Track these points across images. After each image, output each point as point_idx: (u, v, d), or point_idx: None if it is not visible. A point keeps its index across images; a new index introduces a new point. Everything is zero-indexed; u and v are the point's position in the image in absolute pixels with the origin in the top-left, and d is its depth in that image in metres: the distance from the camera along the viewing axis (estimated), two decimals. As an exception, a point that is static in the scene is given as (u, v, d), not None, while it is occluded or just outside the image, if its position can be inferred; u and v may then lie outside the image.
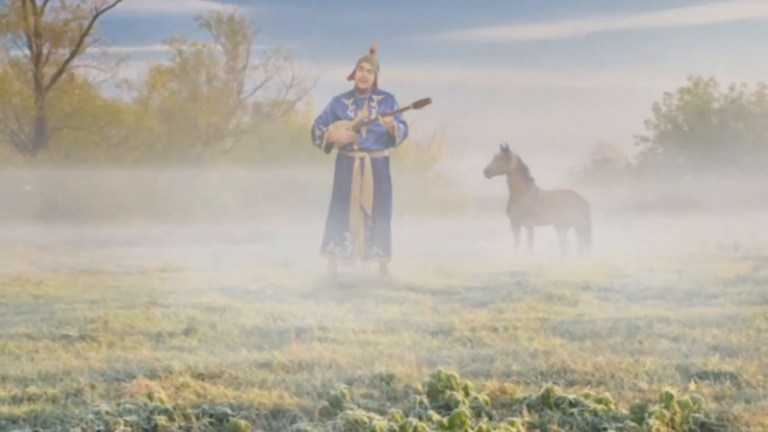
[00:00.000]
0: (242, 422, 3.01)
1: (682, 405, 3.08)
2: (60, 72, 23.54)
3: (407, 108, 7.39)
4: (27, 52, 23.60)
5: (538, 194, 10.73)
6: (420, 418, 2.96)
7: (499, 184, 11.26)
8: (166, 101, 24.29)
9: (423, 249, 11.46)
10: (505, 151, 10.75)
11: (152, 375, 3.79)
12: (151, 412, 3.09)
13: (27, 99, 22.98)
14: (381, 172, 7.40)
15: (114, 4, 23.57)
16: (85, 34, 23.68)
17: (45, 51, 23.49)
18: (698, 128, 27.60)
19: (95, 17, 23.67)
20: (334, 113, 7.42)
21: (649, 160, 28.27)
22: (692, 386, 3.52)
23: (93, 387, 3.63)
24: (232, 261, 10.87)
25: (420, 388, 3.50)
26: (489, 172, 10.77)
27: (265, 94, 25.16)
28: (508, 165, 10.72)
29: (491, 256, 10.36)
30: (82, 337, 4.86)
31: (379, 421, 2.87)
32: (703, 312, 5.51)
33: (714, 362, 4.02)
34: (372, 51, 7.44)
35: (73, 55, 23.64)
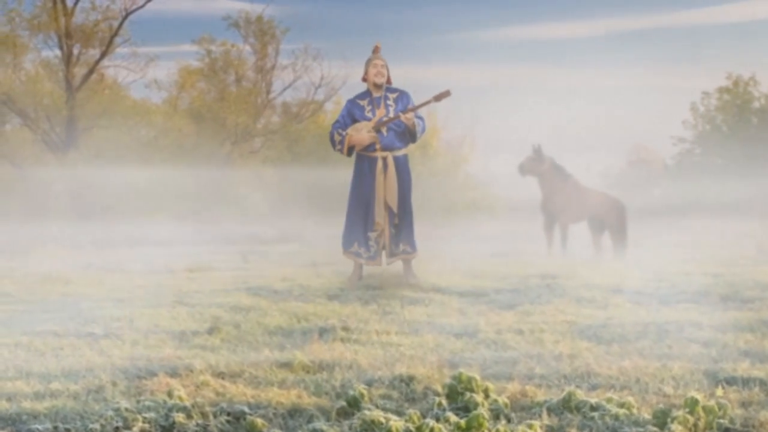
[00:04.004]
0: (259, 421, 3.00)
1: (707, 410, 3.00)
2: (90, 72, 23.85)
3: (428, 102, 7.38)
4: (58, 52, 23.94)
5: (578, 189, 10.61)
6: (438, 420, 2.92)
7: (532, 186, 11.15)
8: (194, 101, 24.51)
9: (453, 250, 11.40)
10: (538, 152, 10.61)
11: (173, 373, 3.81)
12: (170, 410, 3.10)
13: (58, 99, 23.32)
14: (403, 169, 7.40)
15: (143, 5, 23.82)
16: (115, 34, 23.96)
17: (75, 51, 23.81)
18: (738, 129, 27.05)
19: (125, 18, 23.94)
20: (351, 116, 7.42)
21: (687, 162, 27.79)
22: (719, 391, 3.44)
23: (114, 384, 3.65)
24: (260, 261, 10.92)
25: (440, 389, 3.46)
26: (523, 169, 10.66)
27: (293, 94, 25.24)
28: (540, 167, 10.58)
29: (522, 258, 10.27)
30: (106, 335, 4.90)
31: (396, 422, 2.84)
32: (737, 317, 5.39)
33: (744, 368, 3.92)
34: (377, 50, 7.45)
35: (103, 55, 23.93)
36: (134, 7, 23.76)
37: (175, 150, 23.80)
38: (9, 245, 14.22)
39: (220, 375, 3.82)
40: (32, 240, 15.33)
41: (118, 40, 23.94)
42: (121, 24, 23.91)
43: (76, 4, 23.81)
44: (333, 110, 25.27)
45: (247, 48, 24.97)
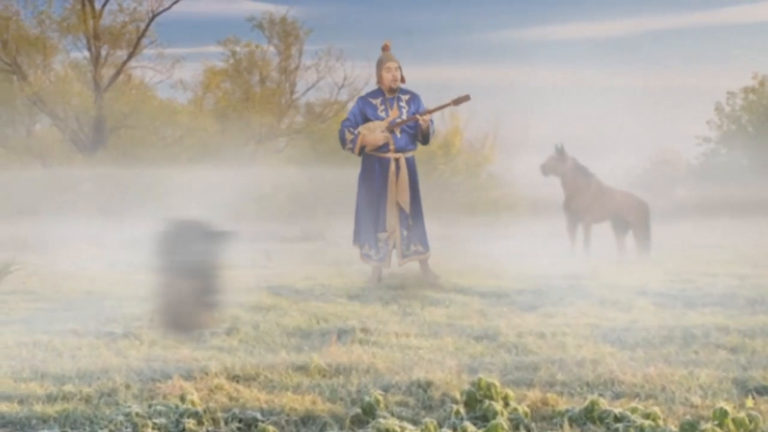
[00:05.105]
0: (271, 428, 2.93)
1: (738, 423, 2.88)
2: (118, 73, 24.12)
3: (447, 105, 7.32)
4: (86, 53, 24.26)
5: (601, 188, 10.48)
6: (454, 429, 2.83)
7: (554, 186, 11.02)
8: (219, 101, 24.69)
9: (475, 250, 11.30)
10: (560, 152, 10.50)
11: (188, 376, 3.75)
12: (181, 415, 3.04)
13: (86, 99, 23.60)
14: (413, 170, 7.36)
15: (170, 7, 24.02)
16: (142, 36, 24.22)
17: (103, 53, 24.11)
18: (764, 129, 26.76)
19: (151, 19, 24.18)
20: (363, 114, 7.34)
21: (712, 162, 27.53)
22: (749, 402, 3.30)
23: (128, 387, 3.60)
24: (283, 259, 10.89)
25: (458, 396, 3.36)
26: (545, 169, 10.54)
27: (317, 95, 25.32)
28: (562, 166, 10.47)
29: (545, 259, 10.14)
30: (125, 335, 4.87)
31: (411, 431, 2.75)
32: (765, 321, 5.22)
33: (774, 376, 3.78)
34: (387, 48, 7.35)
35: (130, 56, 24.20)
36: (160, 9, 23.97)
37: (200, 149, 23.98)
38: (36, 243, 14.35)
39: (235, 378, 3.76)
40: (59, 238, 15.43)
41: (144, 41, 24.17)
42: (147, 26, 24.13)
43: (104, 6, 24.07)
44: (356, 110, 25.19)
45: (271, 49, 25.07)
